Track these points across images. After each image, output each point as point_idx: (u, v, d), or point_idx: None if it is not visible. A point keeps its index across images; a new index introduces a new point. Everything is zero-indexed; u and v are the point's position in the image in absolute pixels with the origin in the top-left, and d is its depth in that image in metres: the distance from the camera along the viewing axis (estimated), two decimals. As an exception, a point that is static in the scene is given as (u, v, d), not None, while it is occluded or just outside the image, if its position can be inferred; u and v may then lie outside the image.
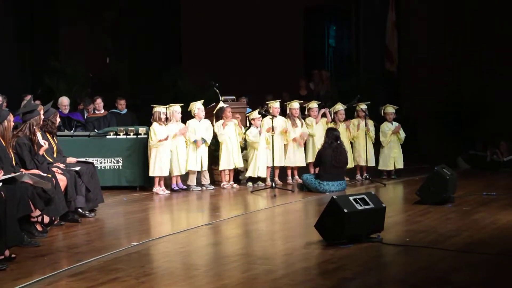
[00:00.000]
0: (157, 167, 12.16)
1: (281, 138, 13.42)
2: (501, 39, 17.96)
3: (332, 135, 12.45)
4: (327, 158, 12.25)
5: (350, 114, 14.41)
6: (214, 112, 13.12)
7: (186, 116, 12.88)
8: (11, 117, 8.25)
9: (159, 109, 12.25)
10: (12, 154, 8.30)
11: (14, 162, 8.23)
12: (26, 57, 17.95)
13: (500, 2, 17.95)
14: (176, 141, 12.38)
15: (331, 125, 13.77)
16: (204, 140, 12.61)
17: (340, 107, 14.17)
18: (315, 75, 18.09)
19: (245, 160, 13.22)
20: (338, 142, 12.40)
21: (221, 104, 13.10)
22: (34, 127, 8.93)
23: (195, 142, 12.52)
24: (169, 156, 12.30)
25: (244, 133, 13.06)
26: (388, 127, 14.26)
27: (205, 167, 12.81)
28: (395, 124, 14.32)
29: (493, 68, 17.92)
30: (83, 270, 6.61)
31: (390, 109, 14.42)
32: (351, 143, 14.18)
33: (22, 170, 8.17)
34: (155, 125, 12.20)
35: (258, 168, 13.02)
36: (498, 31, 18.01)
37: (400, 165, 14.37)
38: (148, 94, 17.94)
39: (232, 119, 12.93)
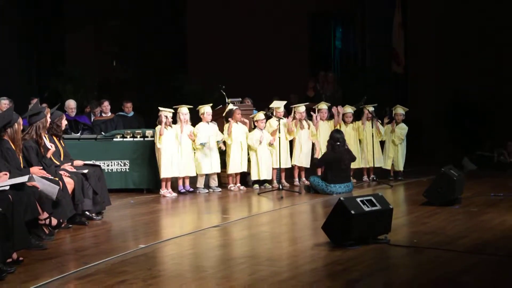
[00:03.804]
0: (167, 169, 12.16)
1: (287, 139, 13.42)
2: (507, 40, 17.94)
3: (333, 137, 12.45)
4: (332, 161, 12.26)
5: (357, 116, 14.40)
6: (223, 115, 13.11)
7: (194, 118, 12.89)
8: (20, 121, 8.28)
9: (164, 113, 12.25)
10: (21, 157, 8.32)
11: (22, 166, 8.25)
12: (33, 61, 17.98)
13: (506, 3, 17.93)
14: (182, 143, 12.38)
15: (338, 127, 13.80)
16: (205, 143, 12.63)
17: (348, 109, 14.16)
18: (321, 77, 18.09)
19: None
20: (338, 143, 12.36)
21: (230, 106, 13.10)
22: (41, 130, 8.94)
23: (202, 144, 12.53)
24: (177, 157, 12.30)
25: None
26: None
27: (217, 170, 12.83)
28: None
29: (500, 70, 17.92)
30: (91, 273, 6.62)
31: (400, 110, 14.39)
32: (360, 142, 14.18)
33: (31, 171, 8.20)
34: (157, 128, 12.21)
35: (261, 171, 13.02)
36: (504, 32, 18.00)
37: (397, 167, 14.32)
38: (155, 97, 17.99)
39: (242, 123, 12.97)
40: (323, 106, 14.07)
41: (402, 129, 14.29)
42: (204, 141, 12.54)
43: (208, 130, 12.66)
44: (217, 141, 12.72)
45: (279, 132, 12.79)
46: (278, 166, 12.99)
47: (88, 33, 19.35)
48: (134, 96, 18.09)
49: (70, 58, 18.83)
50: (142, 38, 19.93)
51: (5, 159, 7.98)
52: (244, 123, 13.09)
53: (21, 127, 8.32)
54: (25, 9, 17.79)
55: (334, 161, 12.25)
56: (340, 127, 13.81)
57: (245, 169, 13.11)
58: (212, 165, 12.76)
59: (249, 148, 13.10)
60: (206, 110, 12.75)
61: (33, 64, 18.02)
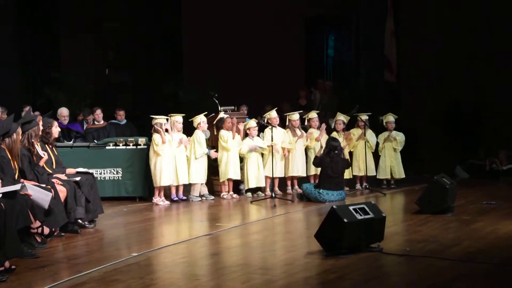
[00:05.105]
0: (161, 177, 12.15)
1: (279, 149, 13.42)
2: (500, 49, 17.99)
3: (330, 145, 12.47)
4: (324, 167, 12.28)
5: (351, 124, 14.41)
6: (214, 123, 13.12)
7: (187, 126, 12.89)
8: (19, 130, 8.28)
9: (160, 120, 12.25)
10: (17, 167, 8.30)
11: (16, 176, 8.23)
12: (26, 69, 17.93)
13: (500, 14, 17.98)
14: (176, 151, 12.38)
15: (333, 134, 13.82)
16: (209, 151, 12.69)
17: (339, 117, 14.16)
18: (319, 84, 18.11)
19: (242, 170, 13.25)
20: (336, 152, 12.38)
21: (221, 115, 13.11)
22: (33, 139, 8.92)
23: (208, 153, 12.57)
24: (171, 166, 12.29)
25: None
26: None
27: (205, 179, 12.86)
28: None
29: (492, 78, 17.96)
30: (83, 281, 6.60)
31: (391, 118, 14.43)
32: (350, 153, 14.18)
33: (22, 180, 8.18)
34: (156, 136, 12.19)
35: (250, 179, 13.02)
36: (498, 41, 18.05)
37: (398, 175, 14.35)
38: (148, 104, 17.97)
39: (230, 130, 12.96)
40: (313, 114, 14.08)
41: (400, 135, 14.34)
42: (208, 151, 12.56)
43: (202, 139, 12.67)
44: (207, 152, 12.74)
45: (272, 141, 12.81)
46: (271, 176, 12.97)
47: (83, 40, 19.30)
48: (128, 102, 18.08)
49: (64, 66, 18.77)
50: (136, 45, 19.90)
51: (0, 167, 7.97)
52: (238, 132, 13.07)
53: (20, 137, 8.32)
54: (19, 16, 17.73)
55: (329, 168, 12.25)
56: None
57: (237, 177, 13.09)
58: (206, 174, 12.77)
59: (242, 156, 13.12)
60: (202, 119, 12.76)
61: (27, 72, 17.96)
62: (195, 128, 12.77)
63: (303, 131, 13.81)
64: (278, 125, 13.41)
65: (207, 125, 12.82)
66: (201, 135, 12.66)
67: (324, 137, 13.66)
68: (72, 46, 19.14)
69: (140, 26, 19.87)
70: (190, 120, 12.83)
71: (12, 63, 17.36)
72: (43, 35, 18.44)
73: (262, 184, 13.22)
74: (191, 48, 20.51)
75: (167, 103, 17.53)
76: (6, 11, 17.35)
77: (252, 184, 13.09)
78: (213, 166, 13.04)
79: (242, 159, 13.20)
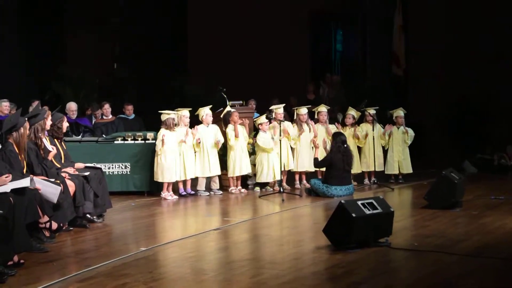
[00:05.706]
0: (164, 173, 12.16)
1: (287, 143, 13.39)
2: (509, 44, 17.95)
3: (339, 139, 12.42)
4: (337, 163, 12.21)
5: (359, 119, 14.38)
6: (221, 117, 13.13)
7: (194, 121, 12.90)
8: (27, 125, 8.29)
9: (170, 115, 12.24)
10: (25, 162, 8.31)
11: (24, 170, 8.24)
12: (33, 64, 17.95)
13: (509, 9, 17.94)
14: (183, 146, 12.37)
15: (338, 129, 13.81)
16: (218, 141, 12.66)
17: (350, 111, 14.14)
18: (327, 79, 18.08)
19: (253, 165, 13.22)
20: (345, 146, 12.37)
21: (228, 109, 13.11)
22: (40, 133, 8.92)
23: (198, 143, 12.49)
24: (177, 161, 12.29)
25: (254, 138, 13.08)
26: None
27: (217, 172, 12.81)
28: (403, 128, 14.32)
29: (500, 73, 17.92)
30: (92, 276, 6.62)
31: (401, 113, 14.39)
32: (359, 148, 14.15)
33: (31, 175, 8.19)
34: (164, 131, 12.18)
35: (271, 173, 13.00)
36: (507, 37, 18.00)
37: (406, 170, 14.30)
38: (155, 99, 17.98)
39: (240, 124, 12.94)
40: (323, 108, 14.05)
41: (409, 130, 14.31)
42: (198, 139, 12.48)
43: (206, 133, 12.64)
44: (217, 141, 12.68)
45: (280, 135, 12.79)
46: (282, 169, 12.96)
47: (89, 35, 19.30)
48: (133, 97, 18.08)
49: (71, 61, 18.81)
50: (143, 40, 19.90)
51: (8, 161, 7.98)
52: (243, 124, 13.02)
53: (27, 132, 8.33)
54: (25, 11, 17.75)
55: (340, 162, 12.19)
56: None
57: (246, 172, 13.07)
58: (211, 168, 12.72)
59: (258, 151, 13.08)
60: (205, 112, 12.75)
61: (34, 67, 17.98)
62: (201, 122, 12.77)
63: (311, 126, 13.74)
64: (287, 119, 13.39)
65: (212, 118, 12.79)
66: (201, 129, 12.62)
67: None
68: (77, 40, 19.15)
69: (145, 20, 19.86)
70: (196, 114, 12.82)
71: (15, 57, 17.37)
72: (48, 29, 18.42)
73: (278, 178, 13.14)
74: (197, 43, 20.51)
75: (171, 98, 17.52)
76: (11, 5, 17.37)
77: (269, 178, 13.05)
78: (221, 161, 13.01)
79: (251, 154, 13.20)
